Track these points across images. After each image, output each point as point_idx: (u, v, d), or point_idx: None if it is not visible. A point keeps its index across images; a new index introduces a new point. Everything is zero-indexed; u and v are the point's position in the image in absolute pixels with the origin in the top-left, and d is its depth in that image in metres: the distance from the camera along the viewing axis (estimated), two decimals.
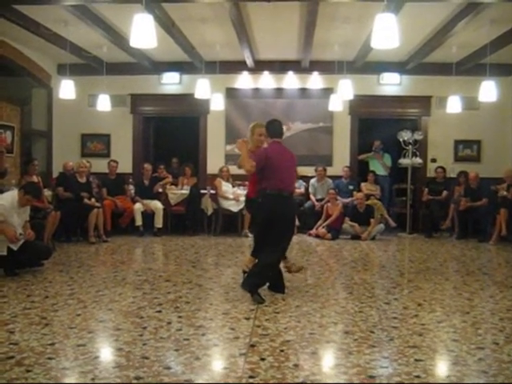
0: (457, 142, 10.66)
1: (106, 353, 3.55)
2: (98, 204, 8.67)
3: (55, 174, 9.99)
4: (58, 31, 8.18)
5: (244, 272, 5.28)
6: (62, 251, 7.51)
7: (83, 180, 8.82)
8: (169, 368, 3.16)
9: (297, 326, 4.03)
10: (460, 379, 3.06)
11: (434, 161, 10.62)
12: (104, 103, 9.57)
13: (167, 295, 5.00)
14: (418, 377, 3.06)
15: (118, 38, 8.38)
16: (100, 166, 9.95)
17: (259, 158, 5.08)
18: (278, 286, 5.21)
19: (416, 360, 3.33)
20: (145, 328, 3.93)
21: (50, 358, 3.27)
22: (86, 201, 8.51)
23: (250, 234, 9.34)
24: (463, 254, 7.84)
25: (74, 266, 6.44)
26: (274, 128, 5.29)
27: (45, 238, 7.16)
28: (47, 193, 8.29)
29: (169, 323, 4.07)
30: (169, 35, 8.00)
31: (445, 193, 9.92)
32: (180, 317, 4.25)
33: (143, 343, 3.58)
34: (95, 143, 10.96)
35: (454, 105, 9.35)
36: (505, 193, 8.83)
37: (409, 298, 5.00)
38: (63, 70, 9.60)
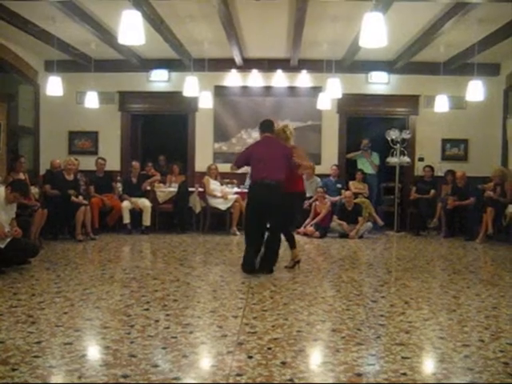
0: (444, 141, 10.73)
1: (93, 351, 3.53)
2: (85, 202, 8.62)
3: (42, 172, 9.93)
4: (46, 27, 8.12)
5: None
6: (49, 249, 7.46)
7: (71, 177, 8.77)
8: (156, 366, 3.15)
9: (284, 324, 4.04)
10: (446, 376, 3.08)
11: (421, 160, 10.69)
12: (92, 100, 9.52)
13: (155, 293, 5.00)
14: (404, 374, 3.08)
15: (106, 35, 8.34)
16: (88, 163, 9.88)
17: (241, 154, 6.15)
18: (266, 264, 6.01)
19: (403, 357, 3.35)
20: (132, 326, 3.92)
21: (36, 357, 3.25)
22: (73, 198, 8.46)
23: (238, 232, 9.36)
24: (450, 253, 7.90)
25: (61, 264, 6.40)
26: (265, 125, 6.18)
27: (32, 236, 7.12)
28: (34, 190, 8.23)
29: (156, 321, 4.06)
30: (157, 32, 7.96)
31: (432, 192, 9.98)
32: (168, 315, 4.25)
33: (130, 341, 3.57)
34: (83, 141, 10.90)
35: (441, 104, 9.40)
36: (491, 193, 8.90)
37: (396, 296, 5.03)
38: (50, 66, 9.53)
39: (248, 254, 5.99)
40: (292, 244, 6.24)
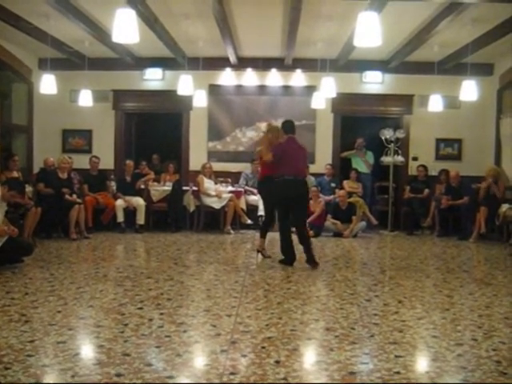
0: (438, 141, 10.75)
1: (87, 350, 3.53)
2: (79, 200, 8.59)
3: (36, 170, 9.90)
4: (39, 25, 8.07)
5: (258, 251, 6.97)
6: (42, 247, 7.43)
7: (64, 176, 8.74)
8: (150, 365, 3.15)
9: (278, 323, 4.05)
10: (439, 375, 3.10)
11: (415, 159, 10.71)
12: (86, 98, 9.48)
13: (149, 292, 4.99)
14: (398, 373, 3.09)
15: (100, 33, 8.30)
16: (81, 162, 9.85)
17: (277, 151, 6.53)
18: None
19: (396, 356, 3.36)
20: (126, 325, 3.92)
21: (29, 356, 3.24)
22: (67, 197, 8.43)
23: (232, 231, 9.36)
24: (444, 252, 7.93)
25: (54, 263, 6.38)
26: (288, 126, 6.76)
27: (25, 234, 7.10)
28: (28, 189, 8.19)
29: (150, 320, 4.05)
30: (151, 30, 7.94)
31: (426, 191, 10.01)
32: (161, 314, 4.24)
33: (124, 340, 3.57)
34: (77, 139, 10.86)
35: (435, 104, 9.42)
36: (485, 184, 8.95)
37: (389, 295, 5.05)
38: (44, 64, 9.48)
39: (290, 247, 6.56)
40: (264, 233, 6.97)
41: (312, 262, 6.37)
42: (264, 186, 6.99)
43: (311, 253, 6.43)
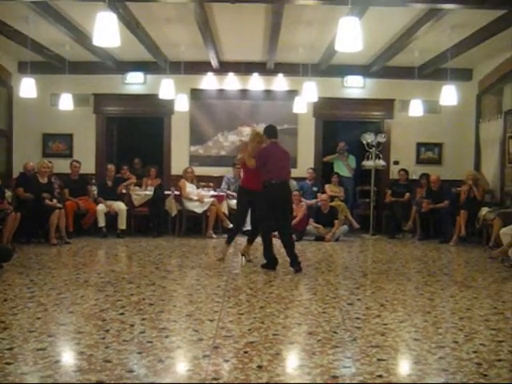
0: (419, 145, 10.85)
1: (67, 357, 3.49)
2: (59, 205, 8.51)
3: (15, 174, 9.76)
4: (19, 28, 7.99)
5: (243, 255, 7.05)
6: (22, 253, 7.34)
7: (44, 180, 8.65)
8: (132, 371, 3.12)
9: (260, 328, 4.04)
10: (421, 378, 3.12)
11: (396, 163, 10.79)
12: (66, 102, 9.40)
13: (130, 297, 4.95)
14: (380, 376, 3.10)
15: (81, 37, 8.24)
16: (62, 166, 9.77)
17: (261, 156, 6.59)
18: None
19: (378, 359, 3.37)
20: (107, 331, 3.88)
21: (8, 363, 3.19)
22: (47, 202, 8.34)
23: (214, 236, 9.34)
24: (425, 255, 7.98)
25: (34, 268, 6.31)
26: (271, 131, 6.85)
27: (4, 240, 7.00)
28: (7, 193, 8.10)
29: (132, 326, 4.02)
30: (133, 34, 7.91)
31: (407, 195, 10.08)
32: (143, 319, 4.21)
33: (105, 346, 3.53)
34: (57, 143, 10.76)
35: (416, 108, 9.51)
36: (465, 187, 9.05)
37: (371, 299, 5.07)
38: (24, 67, 9.37)
39: (271, 252, 6.63)
40: (252, 240, 7.02)
41: (296, 264, 6.40)
42: (243, 197, 6.98)
43: (295, 256, 6.46)
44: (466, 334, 3.96)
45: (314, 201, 10.00)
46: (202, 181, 10.09)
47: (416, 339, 3.83)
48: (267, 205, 6.58)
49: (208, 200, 9.46)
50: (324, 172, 11.04)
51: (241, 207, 7.06)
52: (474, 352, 3.54)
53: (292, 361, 3.51)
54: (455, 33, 7.83)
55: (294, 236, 8.96)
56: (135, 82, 10.78)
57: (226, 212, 9.72)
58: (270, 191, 6.51)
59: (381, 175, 10.74)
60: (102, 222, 9.22)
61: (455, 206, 9.24)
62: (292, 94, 10.43)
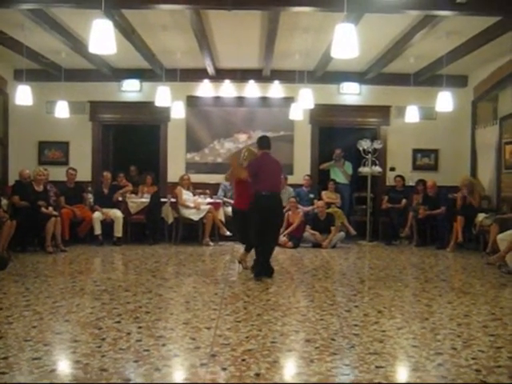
0: (415, 151, 10.87)
1: (63, 366, 3.45)
2: (55, 213, 8.48)
3: (11, 182, 9.73)
4: (15, 35, 7.99)
5: (239, 262, 7.02)
6: (17, 261, 7.30)
7: (40, 188, 8.63)
8: (128, 380, 3.10)
9: (258, 335, 4.01)
10: None
11: (392, 169, 10.80)
12: (62, 110, 9.40)
13: (127, 305, 4.92)
14: None
15: (77, 44, 8.25)
16: (58, 174, 9.74)
17: (252, 167, 6.58)
18: (268, 271, 6.50)
19: (377, 367, 3.35)
20: (103, 339, 3.85)
21: (3, 373, 3.16)
22: (43, 209, 8.32)
23: (211, 243, 9.31)
24: (422, 261, 7.98)
25: (30, 277, 6.27)
26: (262, 142, 6.79)
27: (0, 248, 6.97)
28: (3, 201, 8.09)
29: (128, 334, 3.99)
30: (129, 42, 7.92)
31: (404, 201, 10.08)
32: (140, 327, 4.18)
33: (102, 355, 3.50)
34: (53, 151, 10.73)
35: (412, 115, 9.54)
36: (457, 194, 9.07)
37: (369, 305, 5.05)
38: (20, 75, 9.35)
39: (261, 263, 6.49)
40: (250, 248, 6.91)
41: (263, 271, 6.42)
42: (238, 218, 7.09)
43: (267, 264, 6.52)
44: (464, 340, 3.95)
45: (310, 207, 10.00)
46: (198, 188, 10.08)
47: (414, 346, 3.81)
48: (257, 216, 6.51)
49: (204, 207, 9.45)
50: (320, 179, 11.03)
51: (238, 226, 7.17)
52: (473, 358, 3.53)
53: (290, 368, 3.48)
54: (450, 39, 7.87)
55: (290, 243, 9.10)
56: (131, 90, 10.78)
57: (223, 219, 9.69)
58: (260, 202, 6.46)
59: (377, 181, 10.74)
60: (98, 230, 9.19)
61: (452, 211, 9.26)
62: (288, 100, 10.44)
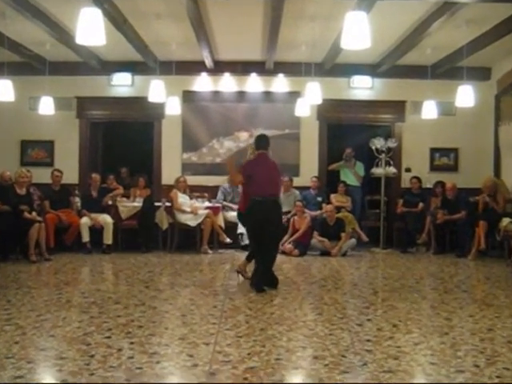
0: (433, 150, 10.88)
1: None
2: (39, 218, 8.50)
3: None
4: None
5: (238, 272, 6.96)
6: None
7: (23, 191, 8.65)
8: None
9: (261, 351, 4.01)
10: None
11: (408, 170, 10.80)
12: (47, 106, 9.42)
13: (117, 319, 4.93)
14: None
15: (63, 35, 8.27)
16: (42, 175, 9.76)
17: (245, 171, 6.55)
18: (272, 281, 6.43)
19: None
20: (92, 356, 3.85)
21: None
22: (25, 215, 8.33)
23: (209, 251, 9.32)
24: (441, 270, 7.97)
25: (11, 288, 6.27)
26: (259, 141, 6.74)
27: None
28: None
29: (119, 350, 3.99)
30: (119, 32, 7.94)
31: (421, 205, 10.08)
32: (132, 343, 4.18)
33: (90, 373, 3.51)
34: (37, 150, 10.77)
35: (429, 110, 9.54)
36: (487, 198, 9.02)
37: (383, 319, 5.05)
38: (0, 68, 9.36)
39: (263, 273, 6.42)
40: (251, 257, 6.84)
41: (261, 283, 6.30)
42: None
43: (263, 278, 6.38)
44: (487, 356, 3.94)
45: (318, 212, 10.01)
46: (195, 191, 10.09)
47: (433, 363, 3.80)
48: (251, 223, 6.55)
49: (202, 212, 9.46)
50: (329, 180, 11.04)
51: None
52: (498, 377, 3.51)
53: None
54: (471, 28, 7.86)
55: (296, 251, 9.10)
56: (122, 84, 10.81)
57: (223, 225, 9.71)
58: (254, 209, 6.43)
59: (391, 183, 10.75)
60: (86, 237, 9.20)
61: (473, 216, 9.23)
62: (294, 95, 10.46)
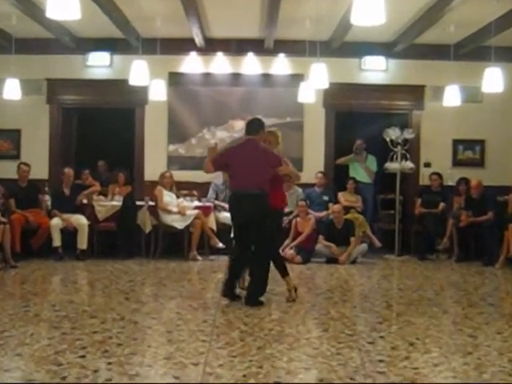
0: (456, 142, 10.90)
1: None
2: (3, 219, 8.50)
3: None
4: None
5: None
6: None
7: None
8: None
9: (259, 373, 4.01)
10: None
11: (427, 165, 10.82)
12: (12, 90, 9.40)
13: (93, 336, 4.92)
14: None
15: (31, 7, 8.26)
16: (7, 170, 9.80)
17: (219, 159, 6.37)
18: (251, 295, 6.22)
19: None
20: (64, 378, 3.85)
21: None
22: None
23: (199, 257, 9.32)
24: (464, 281, 7.99)
25: None
26: (249, 125, 6.54)
27: None
28: None
29: (95, 371, 3.99)
30: (96, 4, 7.93)
31: (441, 205, 10.10)
32: (109, 363, 4.18)
33: None
34: (1, 141, 10.77)
35: (452, 96, 9.55)
36: (508, 197, 9.03)
37: (398, 336, 5.05)
38: None
39: (230, 277, 6.40)
40: (282, 270, 6.45)
41: (251, 298, 6.17)
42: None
43: (257, 291, 6.25)
44: None
45: (324, 213, 10.02)
46: (183, 188, 10.10)
47: None
48: (233, 224, 6.53)
49: (191, 212, 9.46)
50: (337, 177, 11.05)
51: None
52: None
53: None
54: (501, 2, 7.86)
55: (298, 257, 9.10)
56: (99, 65, 10.81)
57: (214, 227, 9.71)
58: (232, 204, 6.44)
59: (408, 180, 10.76)
60: (56, 241, 9.19)
61: (502, 218, 9.25)
62: (296, 78, 10.46)
